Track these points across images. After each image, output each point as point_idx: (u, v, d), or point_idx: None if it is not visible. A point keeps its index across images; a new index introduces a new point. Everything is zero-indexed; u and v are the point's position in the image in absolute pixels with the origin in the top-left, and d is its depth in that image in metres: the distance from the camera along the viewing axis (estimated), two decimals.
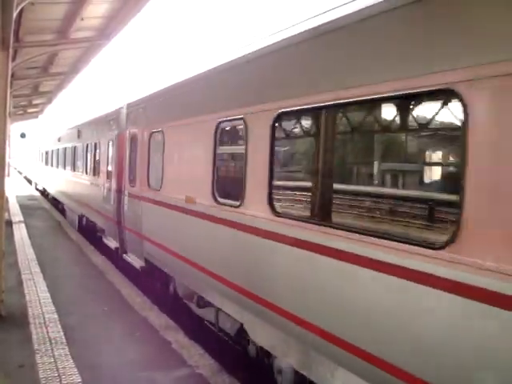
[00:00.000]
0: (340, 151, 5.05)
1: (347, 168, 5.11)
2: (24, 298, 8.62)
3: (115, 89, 20.84)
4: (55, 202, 24.75)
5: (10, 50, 8.03)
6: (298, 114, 5.33)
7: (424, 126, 4.11)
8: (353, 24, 4.24)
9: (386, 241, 3.70)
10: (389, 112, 4.43)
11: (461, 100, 3.18)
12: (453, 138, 3.64)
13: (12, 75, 12.55)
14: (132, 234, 10.36)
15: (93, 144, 14.81)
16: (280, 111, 5.15)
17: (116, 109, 12.21)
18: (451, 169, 4.02)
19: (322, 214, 4.72)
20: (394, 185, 4.66)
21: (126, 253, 10.93)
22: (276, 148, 5.37)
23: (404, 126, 4.38)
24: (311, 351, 4.58)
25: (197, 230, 7.15)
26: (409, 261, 3.46)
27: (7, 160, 9.44)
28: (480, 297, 2.96)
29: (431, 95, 3.63)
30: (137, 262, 9.94)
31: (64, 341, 6.76)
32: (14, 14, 7.83)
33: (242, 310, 5.84)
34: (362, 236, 3.94)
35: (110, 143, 12.57)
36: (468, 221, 3.08)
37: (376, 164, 4.69)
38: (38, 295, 8.86)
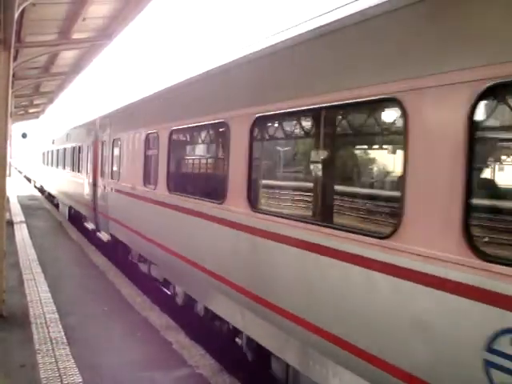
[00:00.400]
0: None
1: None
2: (25, 298, 8.63)
3: (99, 99, 23.70)
4: (51, 198, 27.10)
5: (12, 50, 8.04)
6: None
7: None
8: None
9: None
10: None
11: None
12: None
13: (13, 75, 12.56)
14: (102, 216, 13.44)
15: (77, 147, 17.90)
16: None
17: (92, 119, 15.45)
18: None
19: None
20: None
21: (99, 231, 13.94)
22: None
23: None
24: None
25: (138, 208, 10.08)
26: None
27: (8, 160, 9.44)
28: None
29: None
30: (105, 237, 13.06)
31: (65, 341, 6.78)
32: (16, 15, 7.84)
33: (164, 262, 8.65)
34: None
35: (89, 147, 15.75)
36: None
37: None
38: (39, 295, 8.87)
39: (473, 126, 3.17)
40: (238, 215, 5.77)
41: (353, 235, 4.07)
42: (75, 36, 13.61)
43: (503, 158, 4.91)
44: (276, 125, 6.43)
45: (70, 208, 19.48)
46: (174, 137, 8.55)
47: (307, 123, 5.77)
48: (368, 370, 3.84)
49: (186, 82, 7.92)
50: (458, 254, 3.18)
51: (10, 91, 8.20)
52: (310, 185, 5.49)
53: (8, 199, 21.65)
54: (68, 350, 6.45)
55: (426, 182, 3.45)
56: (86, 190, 15.57)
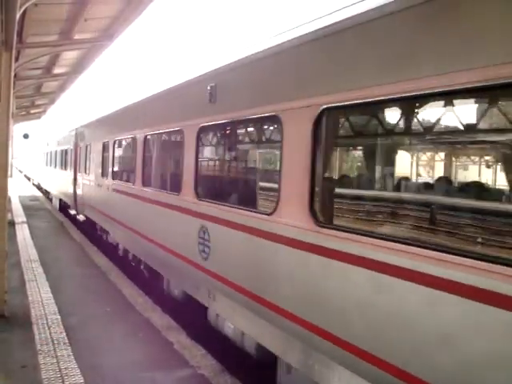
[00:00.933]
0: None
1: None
2: (27, 299, 8.64)
3: (82, 109, 27.26)
4: (47, 195, 30.59)
5: (13, 51, 8.05)
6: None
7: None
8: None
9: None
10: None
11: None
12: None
13: (15, 76, 12.57)
14: (79, 203, 17.43)
15: (64, 150, 21.90)
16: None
17: (73, 128, 19.62)
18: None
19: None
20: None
21: (78, 215, 17.91)
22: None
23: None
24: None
25: (99, 193, 14.06)
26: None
27: (10, 160, 9.46)
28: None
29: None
30: (81, 218, 17.19)
31: (66, 341, 6.78)
32: (18, 15, 7.84)
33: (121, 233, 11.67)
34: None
35: (71, 150, 19.79)
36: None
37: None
38: (40, 296, 8.88)
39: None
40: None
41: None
42: (77, 36, 13.62)
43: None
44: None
45: (60, 200, 23.77)
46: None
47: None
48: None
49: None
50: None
51: (12, 92, 8.21)
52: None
53: (10, 199, 21.69)
54: (70, 351, 6.45)
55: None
56: (70, 184, 19.35)
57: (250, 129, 7.91)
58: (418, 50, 3.64)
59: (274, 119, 5.53)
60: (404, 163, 6.48)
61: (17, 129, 37.37)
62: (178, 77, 8.38)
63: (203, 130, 7.26)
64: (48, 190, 29.79)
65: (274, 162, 7.64)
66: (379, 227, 5.40)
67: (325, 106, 4.49)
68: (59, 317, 7.78)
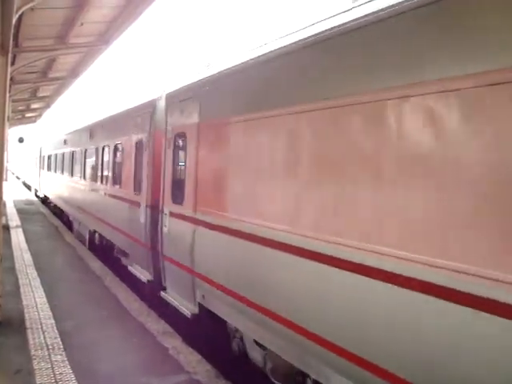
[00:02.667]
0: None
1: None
2: (21, 303, 8.59)
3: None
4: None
5: (10, 55, 8.04)
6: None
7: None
8: None
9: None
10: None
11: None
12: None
13: (11, 80, 12.56)
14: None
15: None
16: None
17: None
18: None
19: None
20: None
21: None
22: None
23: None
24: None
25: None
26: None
27: (5, 164, 9.43)
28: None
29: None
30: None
31: (61, 346, 6.74)
32: (14, 19, 7.85)
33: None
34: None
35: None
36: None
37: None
38: (35, 300, 8.83)
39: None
40: None
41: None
42: (73, 41, 13.62)
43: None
44: None
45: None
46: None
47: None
48: None
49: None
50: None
51: (8, 96, 8.20)
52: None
53: (4, 204, 21.59)
54: (64, 356, 6.41)
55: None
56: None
57: None
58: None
59: None
60: None
61: (12, 133, 37.25)
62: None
63: None
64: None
65: None
66: None
67: None
68: (54, 321, 7.74)
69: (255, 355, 6.00)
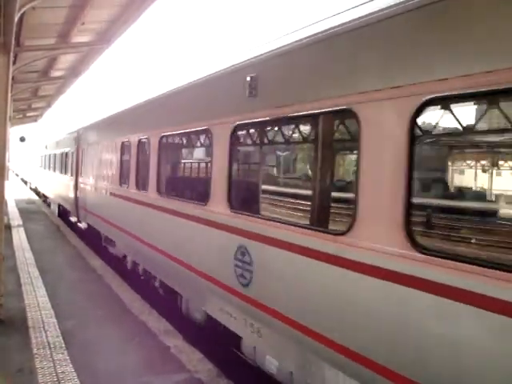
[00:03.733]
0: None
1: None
2: (23, 302, 8.60)
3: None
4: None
5: (11, 54, 8.06)
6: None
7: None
8: None
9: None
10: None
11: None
12: None
13: (12, 79, 12.57)
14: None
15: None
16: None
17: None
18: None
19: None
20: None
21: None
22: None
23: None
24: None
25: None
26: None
27: (6, 164, 9.45)
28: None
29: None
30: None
31: (63, 345, 6.75)
32: (16, 19, 7.86)
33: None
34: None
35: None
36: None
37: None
38: (36, 299, 8.84)
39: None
40: None
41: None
42: (74, 40, 13.64)
43: None
44: None
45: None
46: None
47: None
48: None
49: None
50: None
51: (9, 95, 8.21)
52: None
53: (6, 203, 21.62)
54: (66, 355, 6.42)
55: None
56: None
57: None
58: None
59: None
60: None
61: (13, 132, 37.28)
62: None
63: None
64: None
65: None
66: None
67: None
68: (55, 320, 7.75)
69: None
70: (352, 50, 4.24)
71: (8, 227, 16.56)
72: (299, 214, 6.21)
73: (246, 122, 5.91)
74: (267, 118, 5.50)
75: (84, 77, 20.01)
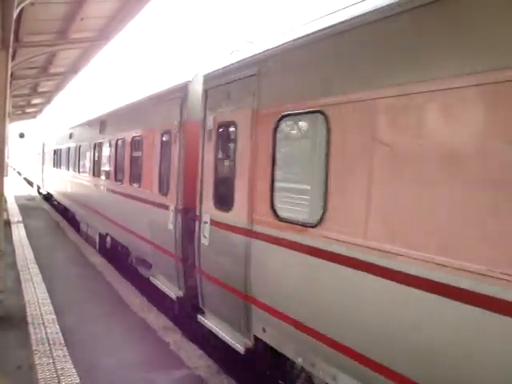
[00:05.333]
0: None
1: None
2: (22, 299, 8.61)
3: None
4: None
5: (10, 50, 8.03)
6: None
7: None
8: None
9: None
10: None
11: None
12: None
13: (11, 75, 12.53)
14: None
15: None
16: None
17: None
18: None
19: None
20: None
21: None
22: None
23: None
24: None
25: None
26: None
27: (6, 160, 9.44)
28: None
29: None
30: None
31: (62, 341, 6.76)
32: (15, 14, 7.82)
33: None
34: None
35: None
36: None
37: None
38: (36, 296, 8.85)
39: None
40: None
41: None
42: (73, 36, 13.57)
43: None
44: None
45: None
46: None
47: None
48: None
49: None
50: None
51: (8, 91, 8.19)
52: None
53: (5, 199, 21.59)
54: (66, 351, 6.43)
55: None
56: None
57: None
58: None
59: None
60: None
61: (12, 128, 37.24)
62: None
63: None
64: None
65: None
66: None
67: None
68: (55, 317, 7.76)
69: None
70: None
71: (8, 223, 16.56)
72: None
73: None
74: None
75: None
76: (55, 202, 24.69)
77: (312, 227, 4.54)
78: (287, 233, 4.91)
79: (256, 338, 5.61)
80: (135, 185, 10.16)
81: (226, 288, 6.13)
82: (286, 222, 4.97)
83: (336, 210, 4.29)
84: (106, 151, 12.99)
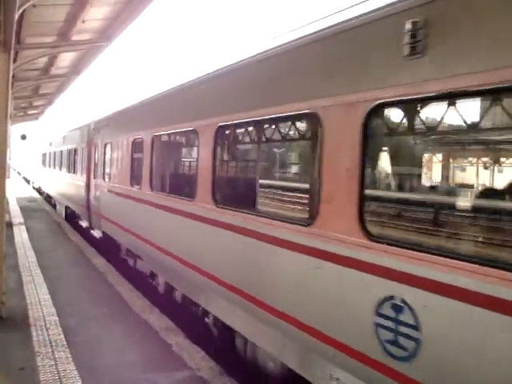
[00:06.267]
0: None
1: None
2: (24, 300, 8.61)
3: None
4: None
5: (12, 52, 8.04)
6: None
7: None
8: None
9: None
10: None
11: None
12: None
13: (13, 77, 12.55)
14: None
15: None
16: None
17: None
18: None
19: None
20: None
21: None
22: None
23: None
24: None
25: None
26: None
27: (7, 161, 9.46)
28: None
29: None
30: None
31: (65, 343, 6.76)
32: (16, 16, 7.83)
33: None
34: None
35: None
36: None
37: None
38: (38, 297, 8.85)
39: None
40: None
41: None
42: (75, 38, 13.61)
43: None
44: None
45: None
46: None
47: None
48: None
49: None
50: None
51: (10, 93, 8.20)
52: None
53: (7, 201, 21.64)
54: (68, 353, 6.43)
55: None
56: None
57: None
58: None
59: None
60: None
61: (14, 130, 37.29)
62: None
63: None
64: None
65: None
66: None
67: None
68: (57, 318, 7.76)
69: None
70: None
71: (9, 225, 16.58)
72: None
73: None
74: None
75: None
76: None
77: None
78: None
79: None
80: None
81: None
82: None
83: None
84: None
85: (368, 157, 4.07)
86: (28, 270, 10.89)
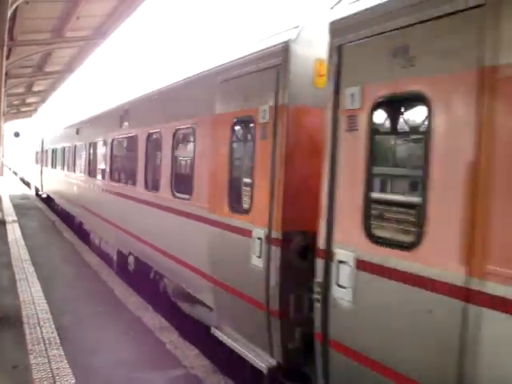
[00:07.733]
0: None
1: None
2: (18, 299, 8.57)
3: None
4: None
5: (5, 49, 8.01)
6: None
7: None
8: None
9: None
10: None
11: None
12: None
13: (6, 74, 12.48)
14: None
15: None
16: None
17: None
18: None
19: None
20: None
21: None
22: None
23: None
24: None
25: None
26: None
27: (0, 159, 9.39)
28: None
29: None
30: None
31: (58, 341, 6.73)
32: (9, 13, 7.79)
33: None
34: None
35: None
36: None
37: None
38: (31, 295, 8.81)
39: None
40: None
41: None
42: (69, 34, 13.57)
43: None
44: None
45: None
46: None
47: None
48: None
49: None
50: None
51: (3, 90, 8.16)
52: None
53: (0, 198, 21.54)
54: (61, 351, 6.41)
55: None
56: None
57: None
58: None
59: None
60: None
61: (7, 127, 37.10)
62: None
63: None
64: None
65: None
66: None
67: None
68: (50, 316, 7.73)
69: None
70: None
71: (3, 223, 16.50)
72: None
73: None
74: None
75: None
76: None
77: None
78: None
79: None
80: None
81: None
82: None
83: None
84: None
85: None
86: (21, 268, 10.83)
